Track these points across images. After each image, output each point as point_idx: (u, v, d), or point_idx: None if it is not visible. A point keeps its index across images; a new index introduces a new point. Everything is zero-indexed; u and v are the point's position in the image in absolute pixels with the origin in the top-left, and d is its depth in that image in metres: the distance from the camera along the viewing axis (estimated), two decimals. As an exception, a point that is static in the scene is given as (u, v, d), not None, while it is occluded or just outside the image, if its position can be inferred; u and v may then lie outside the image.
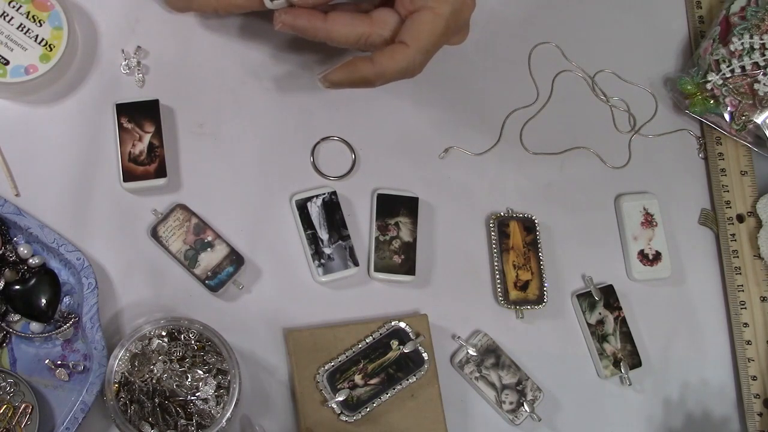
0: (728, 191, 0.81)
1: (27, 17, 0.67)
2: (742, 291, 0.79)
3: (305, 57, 0.75)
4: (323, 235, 0.72)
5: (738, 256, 0.80)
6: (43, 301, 0.65)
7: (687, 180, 0.83)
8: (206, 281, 0.68)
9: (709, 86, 0.80)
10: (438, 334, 0.73)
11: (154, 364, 0.65)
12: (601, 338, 0.76)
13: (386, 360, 0.70)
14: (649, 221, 0.79)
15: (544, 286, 0.75)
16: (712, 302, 0.81)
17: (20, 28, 0.67)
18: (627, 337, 0.76)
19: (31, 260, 0.66)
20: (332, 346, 0.70)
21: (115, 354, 0.64)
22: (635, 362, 0.76)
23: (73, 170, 0.69)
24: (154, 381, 0.64)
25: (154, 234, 0.68)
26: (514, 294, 0.74)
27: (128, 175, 0.68)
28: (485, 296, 0.76)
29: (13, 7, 0.67)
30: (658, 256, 0.78)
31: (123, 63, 0.71)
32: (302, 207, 0.72)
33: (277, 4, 0.64)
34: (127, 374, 0.64)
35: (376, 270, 0.73)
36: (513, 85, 0.80)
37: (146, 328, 0.65)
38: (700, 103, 0.81)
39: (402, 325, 0.71)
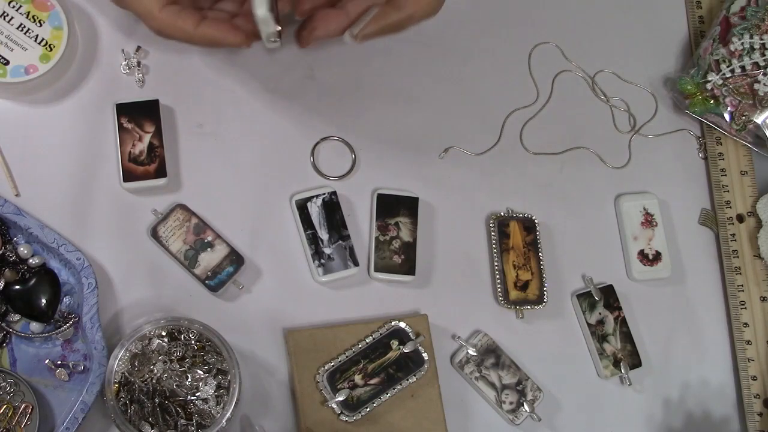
0: (728, 191, 0.81)
1: (27, 17, 0.67)
2: (742, 291, 0.79)
3: (305, 57, 0.75)
4: (323, 235, 0.72)
5: (738, 256, 0.80)
6: (43, 301, 0.65)
7: (687, 180, 0.83)
8: (206, 281, 0.68)
9: (709, 86, 0.80)
10: (438, 334, 0.73)
11: (154, 364, 0.65)
12: (601, 338, 0.76)
13: (386, 360, 0.70)
14: (649, 221, 0.79)
15: (544, 286, 0.75)
16: (712, 302, 0.81)
17: (20, 28, 0.67)
18: (627, 337, 0.76)
19: (31, 260, 0.66)
20: (332, 346, 0.70)
21: (115, 354, 0.64)
22: (635, 362, 0.76)
23: (73, 170, 0.69)
24: (154, 381, 0.64)
25: (154, 234, 0.68)
26: (514, 294, 0.74)
27: (128, 175, 0.68)
28: (485, 296, 0.76)
29: (13, 7, 0.67)
30: (658, 256, 0.78)
31: (123, 63, 0.71)
32: (302, 207, 0.72)
33: (271, 42, 0.64)
34: (127, 374, 0.64)
35: (376, 270, 0.73)
36: (513, 85, 0.80)
37: (146, 328, 0.65)
38: (700, 103, 0.81)
39: (402, 325, 0.71)
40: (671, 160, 0.83)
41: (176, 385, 0.65)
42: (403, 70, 0.78)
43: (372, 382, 0.69)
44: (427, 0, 0.65)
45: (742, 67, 0.80)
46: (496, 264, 0.75)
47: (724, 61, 0.80)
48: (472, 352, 0.73)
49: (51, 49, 0.67)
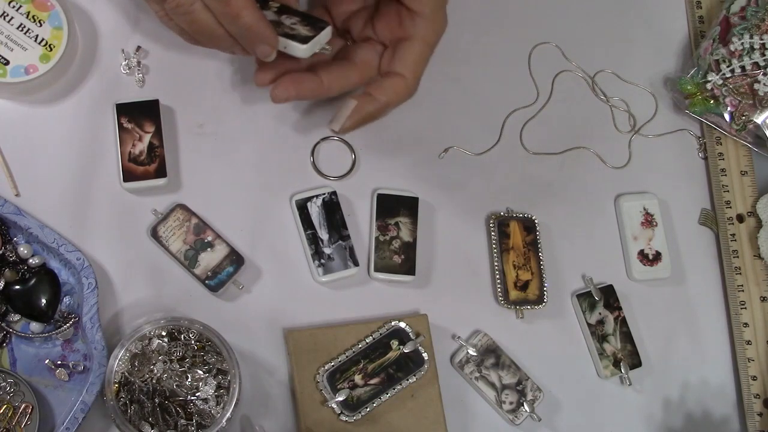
0: (728, 191, 0.81)
1: (27, 17, 0.67)
2: (742, 291, 0.79)
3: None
4: (323, 235, 0.72)
5: (738, 256, 0.80)
6: (43, 301, 0.65)
7: (687, 180, 0.83)
8: (206, 281, 0.68)
9: (709, 86, 0.80)
10: (438, 334, 0.73)
11: (154, 364, 0.65)
12: (601, 338, 0.76)
13: (386, 360, 0.70)
14: (649, 221, 0.79)
15: (544, 286, 0.75)
16: (712, 302, 0.81)
17: (20, 28, 0.67)
18: (627, 337, 0.76)
19: (31, 260, 0.66)
20: (332, 346, 0.70)
21: (115, 354, 0.64)
22: (635, 362, 0.76)
23: (73, 170, 0.69)
24: (154, 381, 0.64)
25: (154, 234, 0.68)
26: (514, 294, 0.74)
27: (128, 175, 0.68)
28: (485, 296, 0.76)
29: (13, 7, 0.67)
30: (658, 256, 0.78)
31: (123, 63, 0.71)
32: (302, 207, 0.72)
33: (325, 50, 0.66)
34: (127, 374, 0.64)
35: (376, 270, 0.73)
36: (513, 85, 0.80)
37: (146, 328, 0.65)
38: (700, 103, 0.81)
39: (402, 325, 0.71)
40: (671, 160, 0.83)
41: (176, 385, 0.65)
42: (403, 70, 0.78)
43: (372, 382, 0.69)
44: (400, 89, 0.68)
45: (742, 67, 0.80)
46: (496, 264, 0.75)
47: (724, 61, 0.80)
48: (472, 352, 0.73)
49: (51, 49, 0.67)
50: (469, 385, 0.74)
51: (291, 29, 0.64)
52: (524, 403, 0.73)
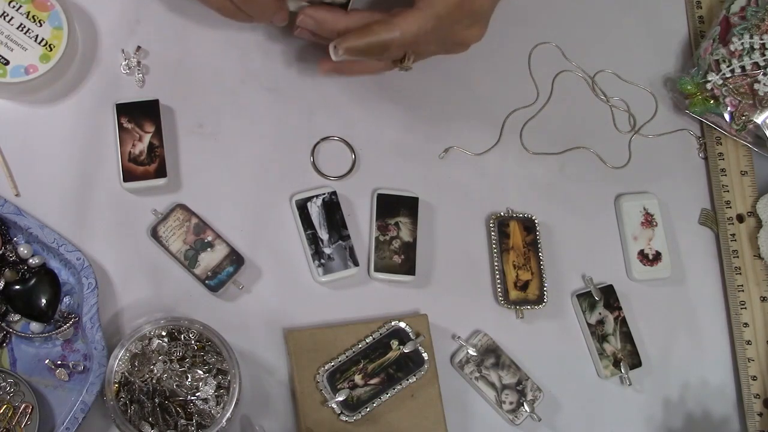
0: (728, 191, 0.81)
1: (27, 17, 0.67)
2: (742, 291, 0.79)
3: (306, 56, 0.75)
4: (323, 235, 0.72)
5: (738, 256, 0.80)
6: (43, 301, 0.65)
7: (687, 180, 0.83)
8: (206, 281, 0.68)
9: (709, 86, 0.80)
10: (438, 334, 0.73)
11: (154, 364, 0.65)
12: (601, 338, 0.76)
13: (386, 360, 0.70)
14: (649, 221, 0.79)
15: (544, 286, 0.75)
16: (712, 302, 0.81)
17: (20, 28, 0.67)
18: (627, 337, 0.77)
19: (31, 260, 0.66)
20: (332, 346, 0.70)
21: (115, 354, 0.64)
22: (635, 362, 0.76)
23: (73, 170, 0.69)
24: (154, 381, 0.64)
25: (154, 234, 0.68)
26: (514, 294, 0.74)
27: (128, 175, 0.68)
28: (485, 296, 0.76)
29: (13, 7, 0.67)
30: (658, 256, 0.78)
31: (123, 63, 0.71)
32: (302, 207, 0.72)
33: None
34: (127, 374, 0.64)
35: (376, 270, 0.73)
36: (513, 85, 0.80)
37: (146, 328, 0.65)
38: (700, 103, 0.81)
39: (402, 325, 0.71)
40: (671, 160, 0.83)
41: (176, 385, 0.65)
42: (403, 70, 0.78)
43: (372, 382, 0.69)
44: (413, 19, 0.64)
45: (742, 67, 0.80)
46: (496, 264, 0.75)
47: (724, 61, 0.80)
48: (472, 352, 0.73)
49: (51, 49, 0.67)
50: (469, 385, 0.74)
51: None
52: (524, 403, 0.73)
